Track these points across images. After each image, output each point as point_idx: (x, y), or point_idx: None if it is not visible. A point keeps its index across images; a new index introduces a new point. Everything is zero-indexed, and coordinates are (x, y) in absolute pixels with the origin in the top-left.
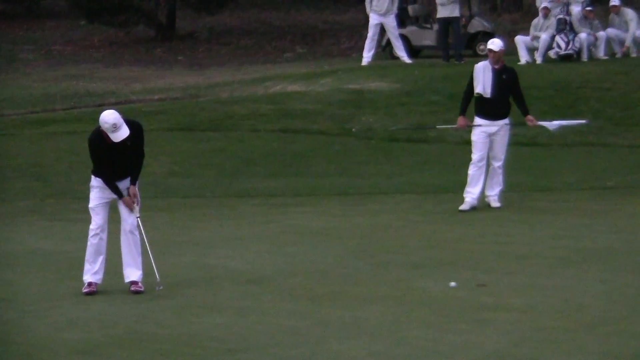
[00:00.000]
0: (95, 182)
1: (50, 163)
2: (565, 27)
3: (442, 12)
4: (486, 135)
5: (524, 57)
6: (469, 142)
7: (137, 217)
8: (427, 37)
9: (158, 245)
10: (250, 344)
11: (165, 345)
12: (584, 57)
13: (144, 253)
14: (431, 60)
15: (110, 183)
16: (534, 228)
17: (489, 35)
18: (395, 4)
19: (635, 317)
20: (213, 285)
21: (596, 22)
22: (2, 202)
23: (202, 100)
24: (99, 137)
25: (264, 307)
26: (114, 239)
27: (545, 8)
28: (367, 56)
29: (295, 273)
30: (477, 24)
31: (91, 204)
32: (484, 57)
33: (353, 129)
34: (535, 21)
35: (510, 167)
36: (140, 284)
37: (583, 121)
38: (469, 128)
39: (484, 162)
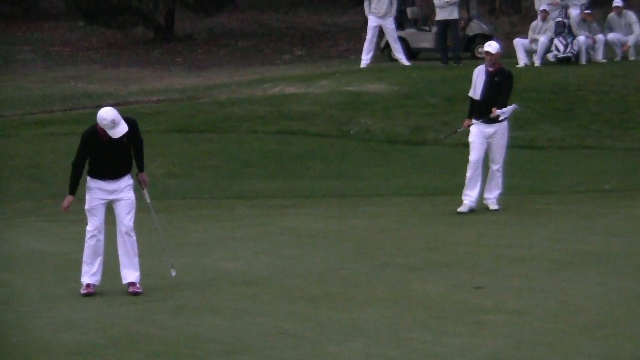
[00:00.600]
0: (91, 183)
1: (48, 164)
2: (563, 30)
3: (440, 15)
4: (483, 136)
5: (522, 60)
6: (466, 145)
7: (148, 203)
8: (426, 40)
9: (155, 247)
10: (248, 346)
11: (162, 346)
12: (583, 60)
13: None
14: (429, 62)
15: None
16: (531, 230)
17: (488, 38)
18: (394, 7)
19: (633, 320)
20: (210, 286)
21: (594, 25)
22: (0, 203)
23: (200, 101)
24: (95, 135)
25: (262, 308)
26: (111, 241)
27: (544, 11)
28: (365, 58)
29: (292, 275)
30: (476, 27)
31: (87, 206)
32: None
33: (351, 131)
34: (533, 24)
35: (508, 170)
36: (138, 285)
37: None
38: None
39: (481, 163)
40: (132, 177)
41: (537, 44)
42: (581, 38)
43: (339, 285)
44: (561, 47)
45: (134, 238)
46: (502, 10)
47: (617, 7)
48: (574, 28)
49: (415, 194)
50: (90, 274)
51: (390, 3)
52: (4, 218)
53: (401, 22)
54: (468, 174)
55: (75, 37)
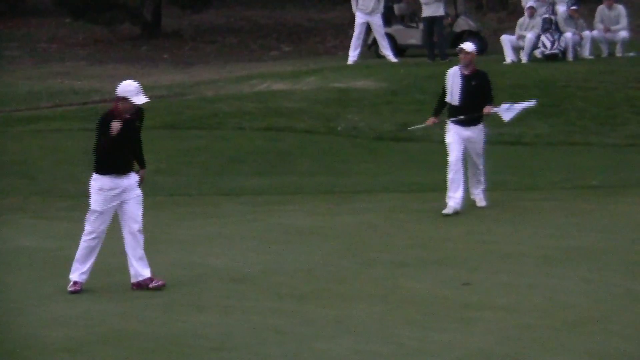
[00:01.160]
0: (101, 182)
1: (36, 161)
2: (550, 26)
3: (426, 11)
4: (459, 137)
5: (509, 57)
6: None
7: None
8: (413, 36)
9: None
10: (235, 343)
11: (149, 343)
12: (570, 56)
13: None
14: (417, 59)
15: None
16: (518, 227)
17: (475, 35)
18: (382, 3)
19: (620, 316)
20: (198, 283)
21: (581, 21)
22: None
23: (188, 98)
24: (111, 117)
25: (249, 305)
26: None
27: (531, 7)
28: (352, 55)
29: (280, 271)
30: (463, 23)
31: (98, 207)
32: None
33: (338, 128)
34: (520, 20)
35: (495, 166)
36: (158, 279)
37: (532, 102)
38: (440, 124)
39: (461, 163)
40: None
41: (524, 41)
42: (568, 35)
43: (326, 281)
44: (548, 44)
45: (142, 237)
46: (489, 7)
47: (608, 0)
48: (561, 25)
49: (402, 191)
50: (80, 272)
51: (378, 0)
52: None
53: (388, 18)
54: (449, 176)
55: (62, 34)
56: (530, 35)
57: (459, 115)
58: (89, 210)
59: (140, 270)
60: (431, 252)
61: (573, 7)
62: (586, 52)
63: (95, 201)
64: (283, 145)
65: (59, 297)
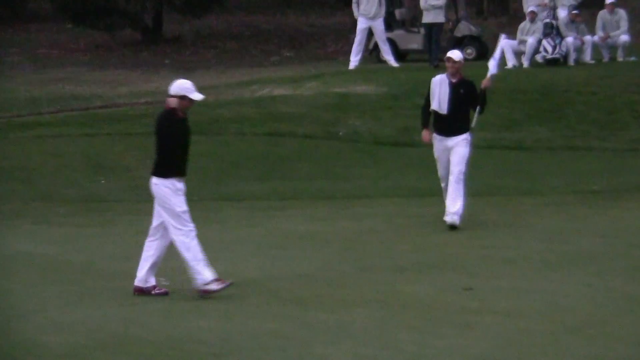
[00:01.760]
0: (176, 184)
1: (36, 166)
2: (551, 31)
3: (426, 18)
4: (445, 148)
5: (510, 61)
6: None
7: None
8: (414, 41)
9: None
10: (235, 348)
11: (149, 349)
12: (571, 61)
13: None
14: (418, 64)
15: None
16: (519, 231)
17: (476, 39)
18: (383, 8)
19: (621, 320)
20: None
21: (582, 26)
22: None
23: None
24: (172, 115)
25: (249, 310)
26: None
27: (532, 12)
28: (354, 60)
29: (280, 276)
30: (464, 28)
31: (184, 207)
32: (471, 60)
33: (339, 133)
34: (521, 25)
35: (495, 171)
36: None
37: (501, 42)
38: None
39: None
40: None
41: (525, 45)
42: (569, 39)
43: (326, 286)
44: (549, 48)
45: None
46: (490, 12)
47: (609, 4)
48: (562, 29)
49: (403, 195)
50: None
51: (380, 4)
52: None
53: (389, 23)
54: (443, 185)
55: (63, 39)
56: (531, 40)
57: (444, 124)
58: (176, 214)
59: (150, 277)
60: (431, 257)
61: (575, 12)
62: (587, 57)
63: (181, 202)
64: (283, 150)
65: (58, 302)
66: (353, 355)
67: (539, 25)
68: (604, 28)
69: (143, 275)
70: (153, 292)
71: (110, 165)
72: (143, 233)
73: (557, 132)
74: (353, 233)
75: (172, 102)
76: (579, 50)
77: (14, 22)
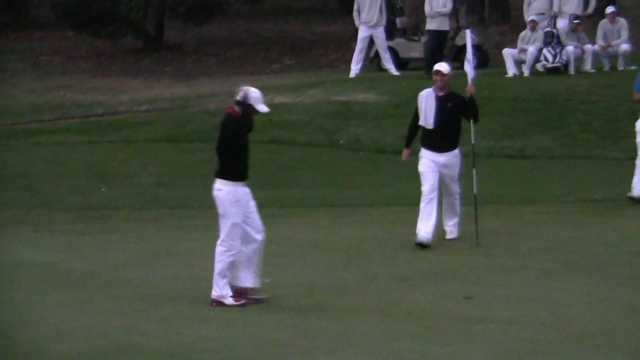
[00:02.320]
0: (236, 191)
1: (38, 173)
2: (552, 39)
3: (431, 25)
4: (434, 164)
5: (511, 70)
6: None
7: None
8: (415, 49)
9: (145, 256)
10: (237, 356)
11: (151, 356)
12: (571, 69)
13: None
14: (419, 72)
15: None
16: (520, 240)
17: (477, 48)
18: (384, 16)
19: (623, 329)
20: (200, 296)
21: (583, 35)
22: None
23: (190, 111)
24: (235, 118)
25: (251, 318)
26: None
27: (533, 21)
28: (355, 68)
29: (282, 284)
30: (465, 37)
31: (238, 219)
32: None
33: (341, 141)
34: (522, 34)
35: (496, 179)
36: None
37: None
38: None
39: (435, 193)
40: None
41: (526, 54)
42: (570, 48)
43: (328, 294)
44: (550, 57)
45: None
46: (491, 20)
47: (610, 13)
48: (563, 38)
49: (404, 204)
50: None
51: (381, 12)
52: None
53: (390, 31)
54: (421, 205)
55: (65, 47)
56: (532, 49)
57: (433, 140)
58: (227, 224)
59: (249, 282)
60: (433, 265)
61: (576, 21)
62: (588, 66)
63: (235, 214)
64: (285, 158)
65: (60, 310)
66: None
67: (539, 34)
68: (604, 37)
69: (233, 282)
70: (230, 302)
71: (112, 173)
72: (145, 240)
73: (558, 141)
74: (355, 241)
75: (237, 109)
76: (580, 59)
77: (16, 29)
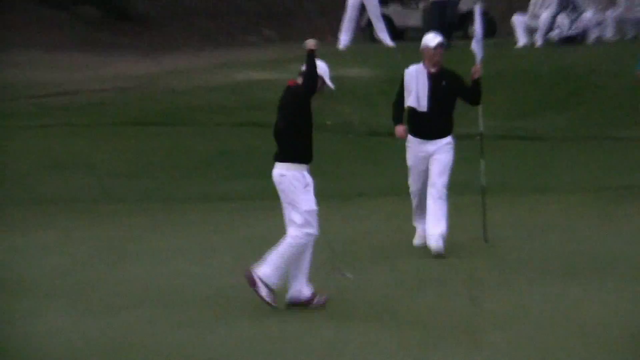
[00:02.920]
0: (302, 175)
1: None
2: (568, 4)
3: None
4: (424, 157)
5: (521, 40)
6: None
7: None
8: (412, 18)
9: (107, 256)
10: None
11: (150, 356)
12: (590, 39)
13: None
14: (416, 43)
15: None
16: (533, 233)
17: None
18: None
19: None
20: (179, 299)
21: None
22: None
23: (155, 90)
24: (295, 92)
25: (235, 321)
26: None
27: None
28: (344, 39)
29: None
30: (469, 2)
31: (313, 206)
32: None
33: (327, 123)
34: None
35: (505, 165)
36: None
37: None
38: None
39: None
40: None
41: (538, 21)
42: (588, 14)
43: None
44: (565, 25)
45: None
46: None
47: None
48: (580, 3)
49: (401, 194)
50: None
51: None
52: None
53: None
54: (413, 204)
55: (13, 18)
56: (545, 15)
57: (424, 125)
58: (302, 211)
59: (305, 288)
60: (434, 263)
61: None
62: (608, 34)
63: (306, 201)
64: (263, 143)
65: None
66: None
67: None
68: (627, 0)
69: (299, 287)
70: (313, 303)
71: (68, 161)
72: (104, 238)
73: (575, 121)
74: (346, 236)
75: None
76: (599, 26)
77: None
